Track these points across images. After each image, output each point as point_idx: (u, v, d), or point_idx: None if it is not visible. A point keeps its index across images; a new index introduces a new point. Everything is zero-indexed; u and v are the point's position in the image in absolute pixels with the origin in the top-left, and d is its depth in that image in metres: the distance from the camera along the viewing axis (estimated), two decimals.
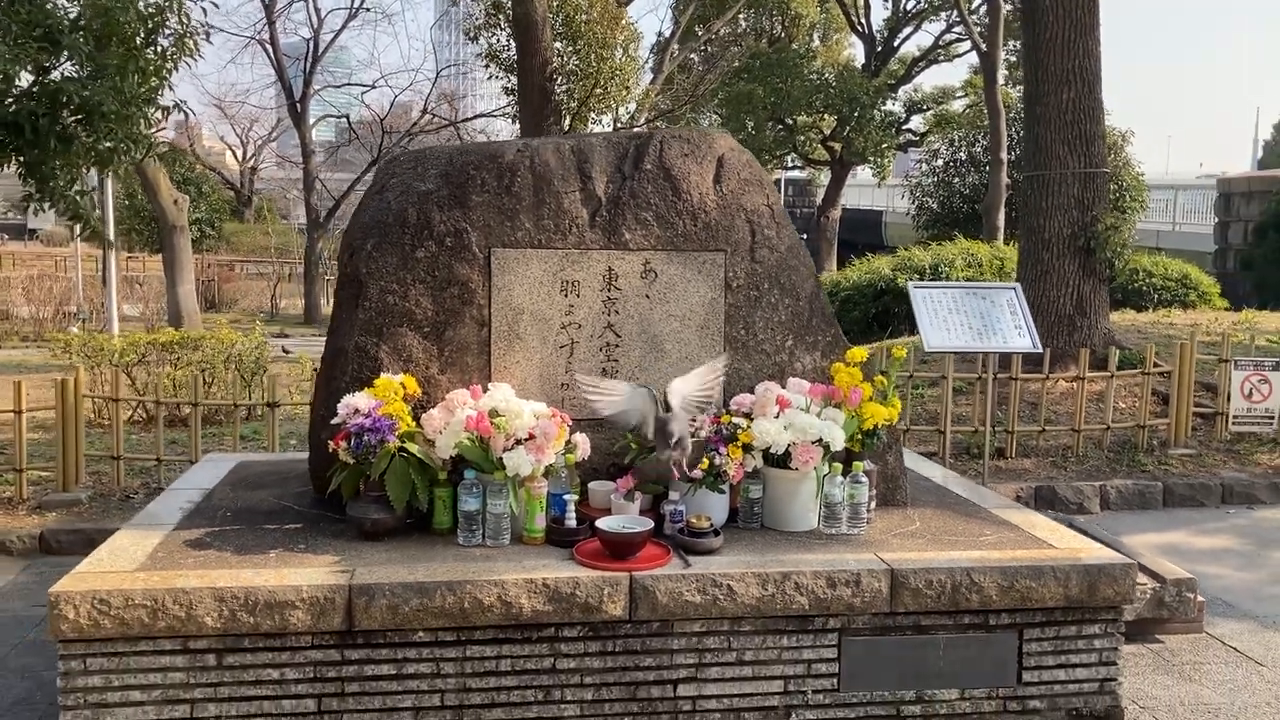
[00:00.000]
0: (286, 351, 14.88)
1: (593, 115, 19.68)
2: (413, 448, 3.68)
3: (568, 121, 19.16)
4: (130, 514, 6.46)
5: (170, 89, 8.71)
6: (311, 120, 28.56)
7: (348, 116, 30.28)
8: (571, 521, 3.72)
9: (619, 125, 22.25)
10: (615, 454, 4.01)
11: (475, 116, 30.06)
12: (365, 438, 3.61)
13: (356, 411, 3.67)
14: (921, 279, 13.22)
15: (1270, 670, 4.50)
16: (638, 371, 4.04)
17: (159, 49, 8.16)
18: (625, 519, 3.68)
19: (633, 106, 21.40)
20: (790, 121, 31.74)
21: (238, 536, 3.76)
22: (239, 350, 10.14)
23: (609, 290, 3.98)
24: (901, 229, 30.35)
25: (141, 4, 7.98)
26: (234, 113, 34.90)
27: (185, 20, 8.20)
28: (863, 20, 31.39)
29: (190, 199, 21.12)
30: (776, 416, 3.80)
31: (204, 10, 8.46)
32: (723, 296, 4.06)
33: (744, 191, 4.09)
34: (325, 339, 4.24)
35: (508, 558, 3.57)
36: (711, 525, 3.69)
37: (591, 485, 3.95)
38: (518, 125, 21.56)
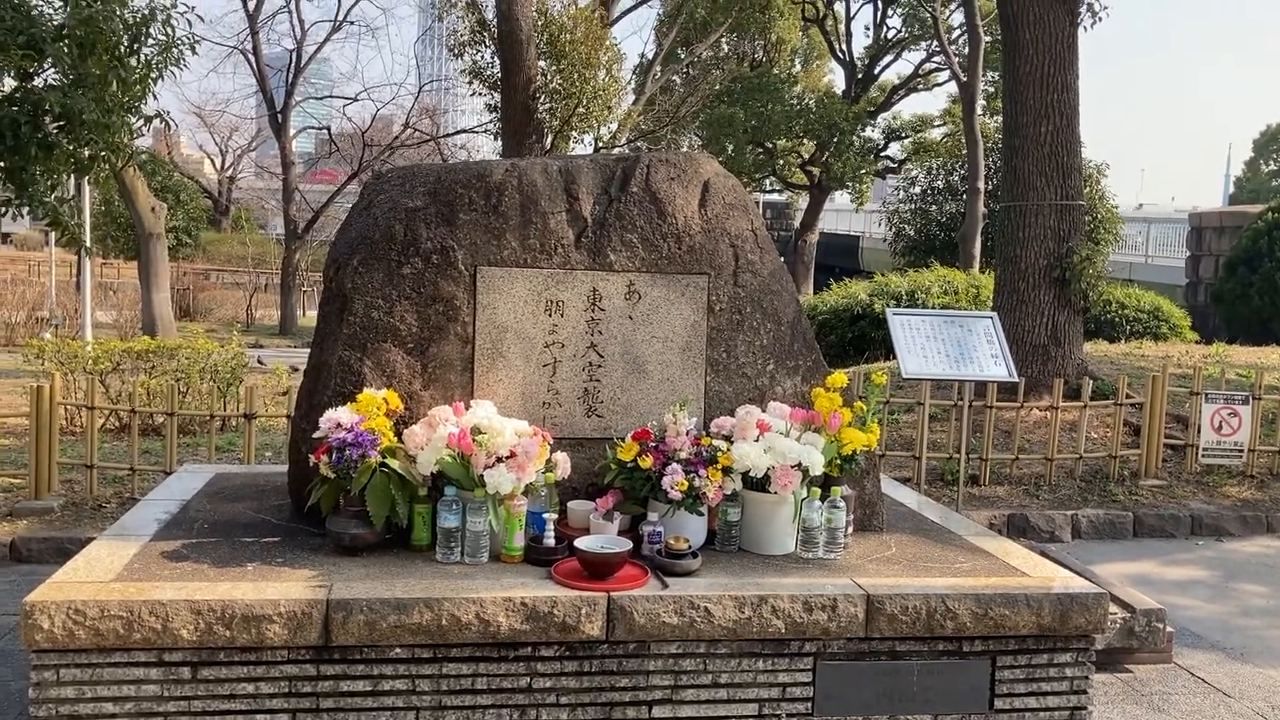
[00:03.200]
0: (261, 363, 14.78)
1: (574, 134, 19.76)
2: (394, 463, 3.68)
3: (549, 140, 19.23)
4: (103, 523, 6.44)
5: (154, 97, 8.70)
6: (292, 131, 28.52)
7: (328, 128, 30.25)
8: (550, 540, 3.73)
9: (600, 145, 22.34)
10: (595, 474, 4.03)
11: (457, 132, 30.11)
12: (347, 452, 3.61)
13: (338, 425, 3.67)
14: (898, 305, 13.34)
15: (1238, 701, 4.56)
16: (619, 392, 4.06)
17: (143, 58, 8.15)
18: (604, 539, 3.69)
19: (614, 127, 21.52)
20: (770, 145, 31.98)
21: (215, 549, 3.74)
22: (215, 360, 10.10)
23: (593, 311, 4.01)
24: (878, 254, 30.57)
25: (126, 13, 7.98)
26: (214, 121, 34.77)
27: (171, 31, 8.19)
28: (844, 48, 31.71)
29: (168, 207, 21.00)
30: (757, 440, 3.83)
31: (189, 22, 8.43)
32: (705, 319, 4.09)
33: (728, 216, 4.13)
34: (308, 351, 4.24)
35: (486, 576, 3.57)
36: (690, 547, 3.71)
37: (570, 504, 3.96)
38: (499, 142, 21.63)
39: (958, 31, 29.70)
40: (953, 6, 28.71)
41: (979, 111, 19.00)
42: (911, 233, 22.10)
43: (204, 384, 9.78)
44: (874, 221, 32.55)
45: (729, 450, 3.79)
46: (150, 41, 8.12)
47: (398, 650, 3.37)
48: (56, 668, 3.22)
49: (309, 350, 4.20)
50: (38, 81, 7.64)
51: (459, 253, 3.92)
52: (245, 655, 3.30)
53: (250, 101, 36.63)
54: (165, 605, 3.23)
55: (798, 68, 35.97)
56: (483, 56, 18.91)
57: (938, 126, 33.00)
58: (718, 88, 30.58)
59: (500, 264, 3.95)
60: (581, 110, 18.72)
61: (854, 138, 29.81)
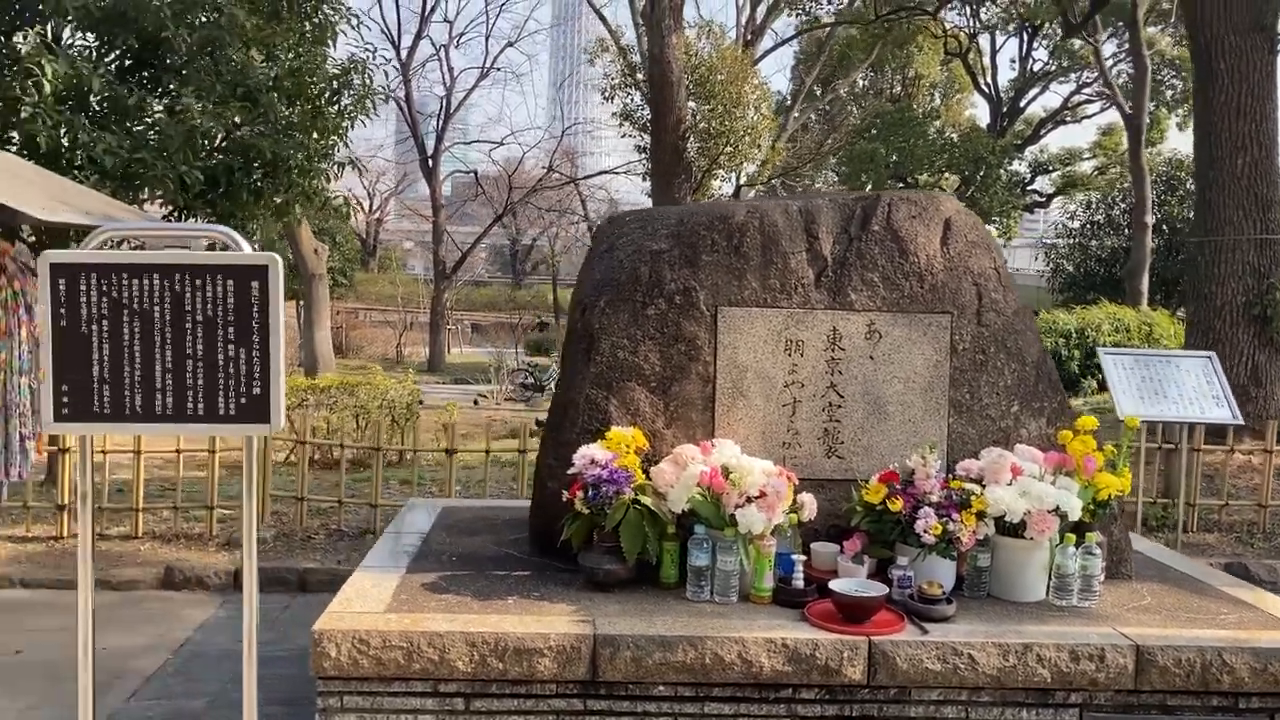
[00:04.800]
0: (420, 401, 15.23)
1: (721, 173, 19.90)
2: (646, 500, 3.73)
3: (698, 179, 19.40)
4: (312, 554, 6.71)
5: (347, 145, 9.13)
6: (442, 175, 29.47)
7: (475, 172, 31.16)
8: (799, 582, 3.71)
9: (741, 185, 22.45)
10: (835, 515, 4.00)
11: (599, 173, 30.62)
12: (602, 489, 3.67)
13: (593, 462, 3.73)
14: (1067, 343, 12.94)
15: None
16: (860, 433, 4.03)
17: (340, 107, 8.57)
18: (856, 582, 3.65)
19: (754, 166, 21.57)
20: (912, 180, 31.57)
21: (470, 582, 3.84)
22: (392, 397, 10.45)
23: (833, 350, 4.00)
24: (1026, 290, 29.75)
25: (329, 65, 8.41)
26: (366, 166, 36.18)
27: (368, 81, 8.60)
28: (989, 81, 31.13)
29: (327, 248, 21.92)
30: (1010, 484, 3.75)
31: (385, 74, 8.85)
32: (948, 360, 4.04)
33: (970, 254, 4.08)
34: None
35: (740, 615, 3.57)
36: (944, 592, 3.64)
37: (815, 546, 3.93)
38: (647, 182, 21.93)
39: (1108, 60, 28.91)
40: (1103, 36, 27.95)
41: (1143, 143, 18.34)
42: (1070, 268, 21.44)
43: (383, 419, 10.13)
44: (1022, 257, 31.73)
45: (982, 494, 3.72)
46: (348, 92, 8.54)
47: (661, 688, 3.39)
48: (340, 694, 3.35)
49: (554, 389, 4.30)
50: (240, 132, 8.07)
51: (701, 293, 3.97)
52: (515, 688, 3.37)
53: (390, 145, 38.16)
54: (442, 637, 3.33)
55: (937, 102, 35.49)
56: (632, 99, 19.21)
57: (1087, 159, 32.09)
58: (857, 123, 30.44)
59: (741, 304, 3.98)
60: (729, 149, 18.86)
61: (1001, 171, 29.16)
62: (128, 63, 7.80)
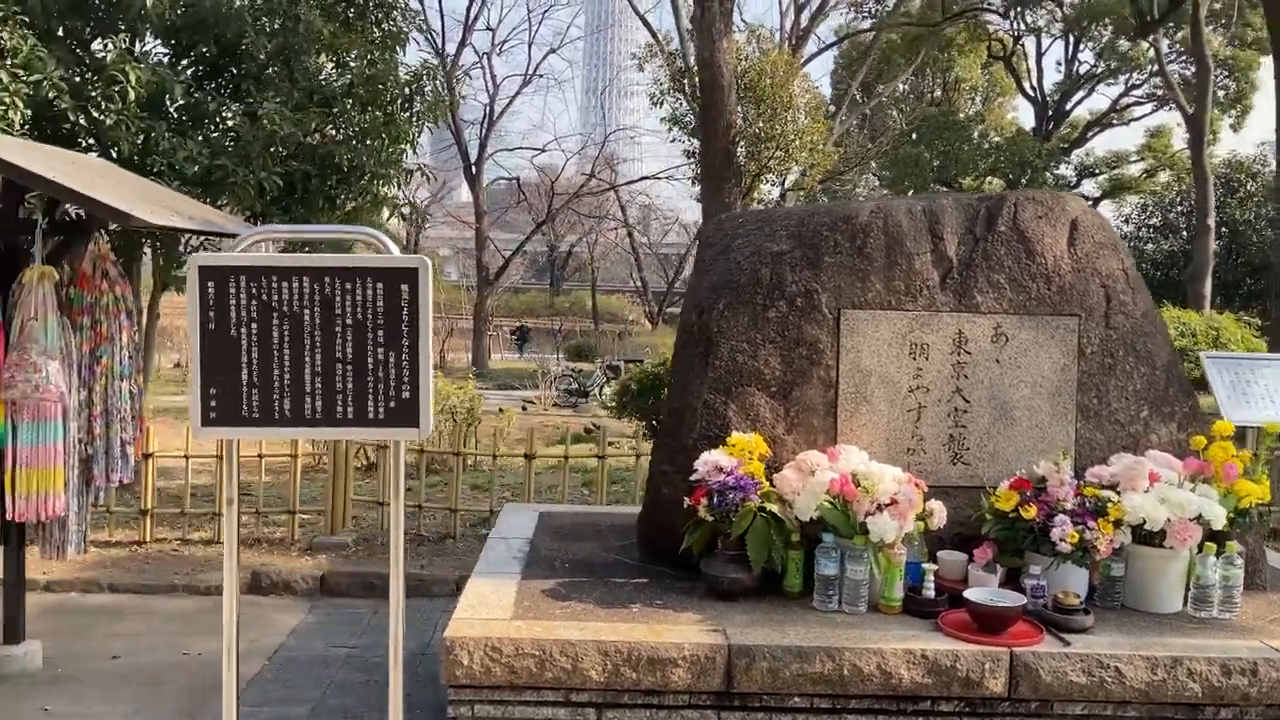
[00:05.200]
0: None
1: (770, 178, 19.79)
2: (772, 508, 3.65)
3: (747, 184, 19.31)
4: None
5: (415, 152, 9.14)
6: (485, 182, 29.55)
7: (518, 179, 31.24)
8: (930, 591, 3.62)
9: (786, 190, 22.31)
10: (961, 523, 3.90)
11: (641, 179, 30.60)
12: (728, 496, 3.60)
13: (718, 469, 3.66)
14: None
15: None
16: (985, 439, 3.93)
17: (412, 113, 8.57)
18: (991, 592, 3.56)
19: (803, 171, 21.40)
20: (957, 184, 31.34)
21: (590, 589, 3.79)
22: (454, 402, 10.43)
23: (958, 354, 3.91)
24: None
25: (401, 71, 8.41)
26: (434, 174, 36.38)
27: (440, 87, 8.59)
28: (1035, 84, 30.83)
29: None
30: (1147, 491, 3.64)
31: (456, 79, 8.84)
32: (1075, 363, 3.93)
33: (1098, 255, 3.98)
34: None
35: (873, 626, 3.49)
36: (1081, 602, 3.53)
37: (942, 554, 3.83)
38: (696, 187, 21.86)
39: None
40: (1153, 38, 27.60)
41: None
42: None
43: (446, 425, 10.12)
44: None
45: (1118, 501, 3.61)
46: (420, 98, 8.54)
47: (797, 699, 3.31)
48: (471, 703, 3.30)
49: (667, 394, 4.23)
50: (312, 138, 8.07)
51: (823, 295, 3.90)
52: (648, 698, 3.30)
53: (428, 152, 38.28)
54: (575, 645, 3.28)
55: (977, 105, 35.21)
56: (680, 104, 19.14)
57: (1134, 162, 31.72)
58: (901, 128, 30.26)
59: (864, 306, 3.90)
60: (780, 153, 18.75)
61: (1047, 175, 28.88)
62: (203, 70, 7.84)
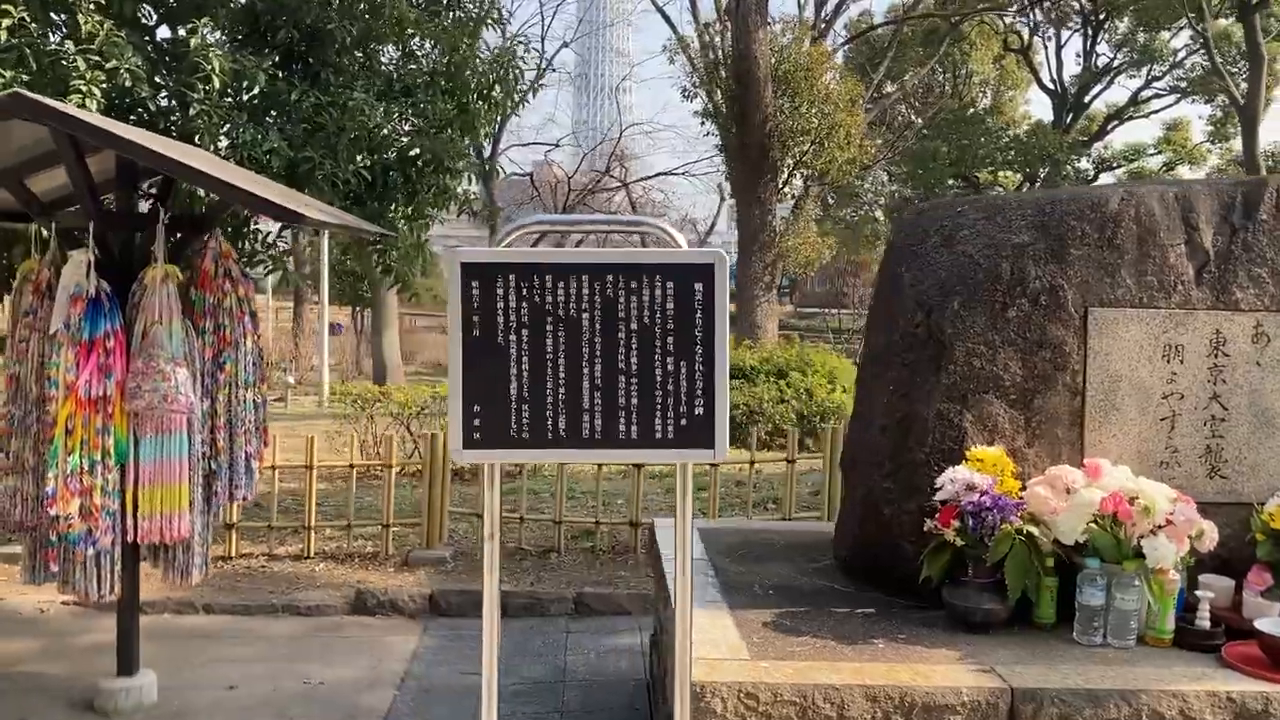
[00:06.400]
0: None
1: (803, 171, 19.39)
2: (1033, 530, 3.27)
3: (784, 177, 18.94)
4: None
5: (489, 142, 8.70)
6: (499, 177, 29.10)
7: (531, 175, 30.79)
8: (1204, 621, 3.24)
9: (809, 185, 21.90)
10: (1220, 543, 3.52)
11: (657, 175, 30.25)
12: (985, 518, 3.22)
13: (970, 487, 3.28)
14: None
15: None
16: (1245, 450, 3.56)
17: (491, 101, 8.14)
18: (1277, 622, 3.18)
19: (838, 164, 20.98)
20: (974, 178, 31.01)
21: (814, 621, 3.41)
22: None
23: (1215, 356, 3.53)
24: None
25: (479, 60, 7.99)
26: (503, 168, 35.90)
27: (518, 73, 8.18)
28: (1054, 76, 30.54)
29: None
30: None
31: (545, 69, 8.43)
32: None
33: None
34: (865, 404, 3.89)
35: (1152, 662, 3.11)
36: None
37: (1206, 579, 3.45)
38: (728, 183, 21.47)
39: (1182, 53, 28.32)
40: (1175, 28, 27.34)
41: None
42: None
43: None
44: None
45: None
46: (499, 85, 8.12)
47: None
48: None
49: (867, 404, 3.85)
50: (388, 129, 7.64)
51: (1068, 292, 3.51)
52: None
53: None
54: (839, 690, 2.89)
55: (988, 100, 34.89)
56: (716, 96, 18.73)
57: (1152, 155, 31.47)
58: (919, 122, 29.96)
59: (1113, 304, 3.52)
60: (814, 146, 18.37)
61: (1068, 168, 28.59)
62: (278, 57, 7.41)
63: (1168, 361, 3.53)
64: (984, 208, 3.68)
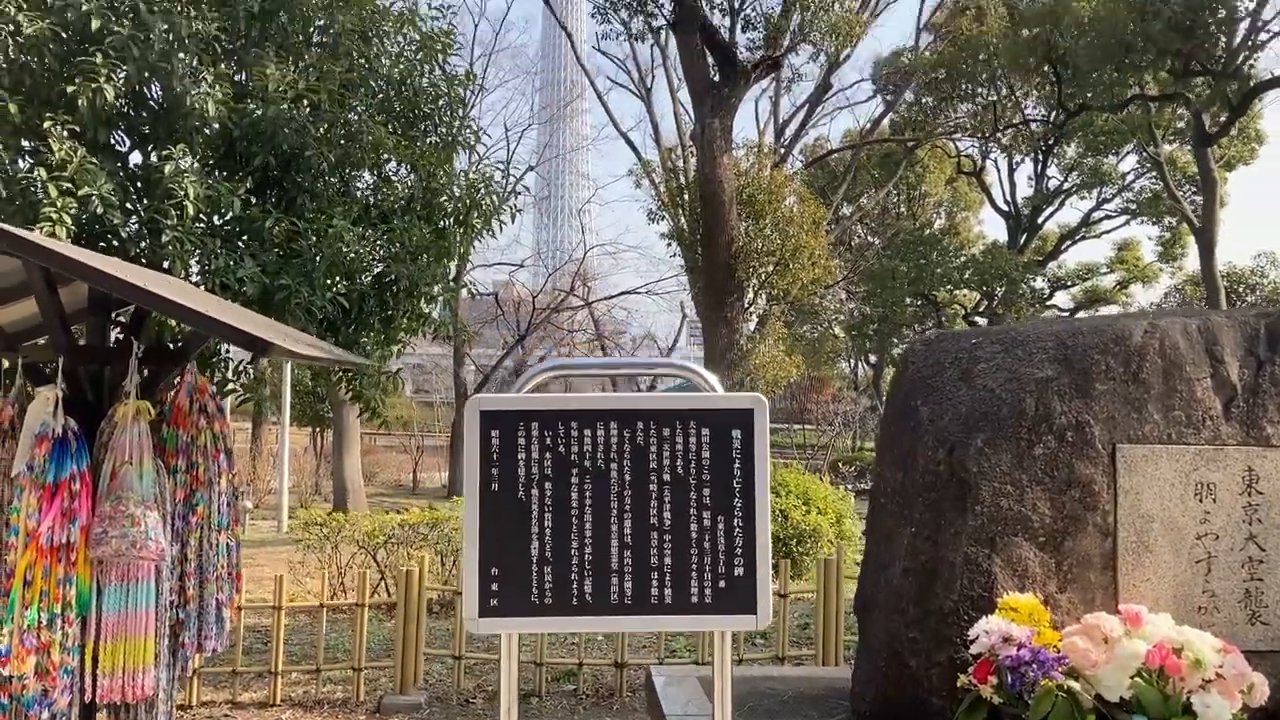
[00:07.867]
0: None
1: (768, 292, 19.53)
2: (1074, 685, 3.05)
3: (749, 297, 19.06)
4: None
5: (463, 266, 8.60)
6: (473, 298, 29.11)
7: (496, 294, 30.80)
8: None
9: (770, 304, 22.06)
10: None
11: (621, 294, 30.41)
12: (1025, 673, 3.00)
13: (1008, 640, 3.07)
14: None
15: None
16: None
17: (467, 227, 8.07)
18: None
19: (799, 285, 21.20)
20: (931, 297, 31.50)
21: None
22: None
23: (1249, 494, 3.38)
24: None
25: (456, 186, 7.94)
26: (477, 290, 35.90)
27: (495, 199, 8.13)
28: (1009, 199, 31.41)
29: (351, 374, 21.32)
30: None
31: (515, 193, 8.39)
32: None
33: None
34: (881, 548, 3.68)
35: None
36: None
37: None
38: (694, 304, 21.54)
39: (1130, 175, 29.28)
40: (1123, 153, 28.33)
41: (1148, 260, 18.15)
42: None
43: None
44: None
45: None
46: (476, 211, 8.05)
47: None
48: None
49: (907, 543, 3.63)
50: (359, 253, 7.51)
51: (1095, 428, 3.37)
52: None
53: None
54: None
55: (943, 220, 35.74)
56: (680, 220, 18.95)
57: (1105, 274, 32.27)
58: (877, 243, 30.57)
59: (1142, 440, 3.37)
60: (779, 267, 18.54)
61: (1024, 287, 29.16)
62: (253, 182, 7.30)
63: (1200, 500, 3.37)
64: (1001, 340, 3.55)
